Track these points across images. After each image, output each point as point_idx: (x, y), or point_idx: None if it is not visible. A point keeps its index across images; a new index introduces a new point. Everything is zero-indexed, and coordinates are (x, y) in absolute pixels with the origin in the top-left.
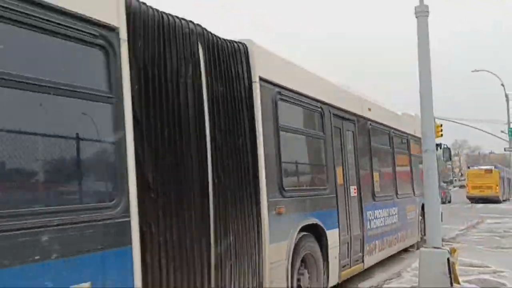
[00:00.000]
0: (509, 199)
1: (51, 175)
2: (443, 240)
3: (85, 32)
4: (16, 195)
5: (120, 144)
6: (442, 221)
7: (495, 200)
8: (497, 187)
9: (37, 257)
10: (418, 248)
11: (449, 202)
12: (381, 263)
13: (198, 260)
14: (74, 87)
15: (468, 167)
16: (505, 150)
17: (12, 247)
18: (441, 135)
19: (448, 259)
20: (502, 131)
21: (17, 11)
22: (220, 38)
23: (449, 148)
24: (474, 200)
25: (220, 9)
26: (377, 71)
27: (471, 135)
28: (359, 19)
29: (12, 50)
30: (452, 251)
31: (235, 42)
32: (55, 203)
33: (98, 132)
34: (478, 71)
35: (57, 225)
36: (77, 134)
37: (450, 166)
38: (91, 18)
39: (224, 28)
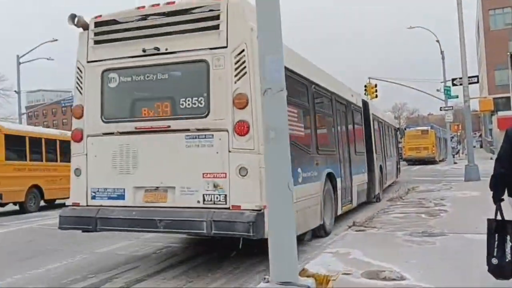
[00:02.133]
0: (445, 159)
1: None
2: (354, 223)
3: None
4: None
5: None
6: (398, 176)
7: (431, 161)
8: (434, 148)
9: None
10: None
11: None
12: None
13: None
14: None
15: (405, 128)
16: (440, 109)
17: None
18: (376, 96)
19: None
20: (438, 90)
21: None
22: (365, 100)
23: (403, 129)
24: (412, 161)
25: None
26: None
27: (410, 97)
28: None
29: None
30: (322, 283)
31: (365, 100)
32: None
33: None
34: (413, 27)
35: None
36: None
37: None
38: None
39: None
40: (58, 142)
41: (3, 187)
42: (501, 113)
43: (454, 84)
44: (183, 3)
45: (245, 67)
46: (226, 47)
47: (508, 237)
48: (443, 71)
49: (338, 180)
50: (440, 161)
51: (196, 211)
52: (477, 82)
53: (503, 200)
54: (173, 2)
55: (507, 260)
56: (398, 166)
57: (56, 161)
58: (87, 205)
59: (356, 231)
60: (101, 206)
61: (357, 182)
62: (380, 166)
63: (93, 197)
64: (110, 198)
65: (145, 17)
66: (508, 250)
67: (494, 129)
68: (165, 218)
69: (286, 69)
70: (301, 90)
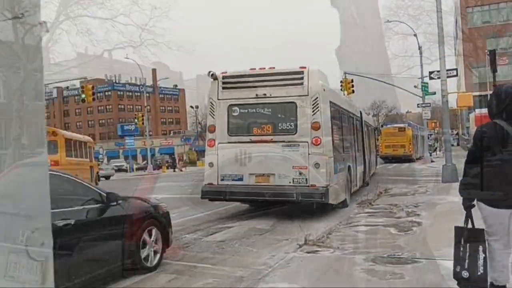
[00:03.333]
0: (422, 157)
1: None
2: (306, 241)
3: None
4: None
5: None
6: (376, 168)
7: (408, 159)
8: (410, 146)
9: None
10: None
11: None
12: None
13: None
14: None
15: (382, 126)
16: (418, 106)
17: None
18: (352, 91)
19: None
20: (415, 86)
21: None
22: (361, 111)
23: (380, 128)
24: (388, 159)
25: None
26: None
27: (389, 95)
28: None
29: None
30: None
31: (361, 111)
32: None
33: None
34: (391, 21)
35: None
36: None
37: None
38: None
39: None
40: (82, 144)
41: None
42: (479, 111)
43: (431, 78)
44: (281, 68)
45: (318, 107)
46: (307, 95)
47: (481, 248)
48: (421, 66)
49: (352, 170)
50: (417, 159)
51: (288, 187)
52: (456, 75)
53: (473, 206)
54: (274, 67)
55: (479, 274)
56: (376, 160)
57: (82, 157)
58: (218, 184)
59: (307, 252)
60: (227, 185)
61: (359, 172)
62: (369, 160)
63: (222, 179)
64: (233, 180)
65: (256, 75)
66: (480, 262)
67: (472, 127)
68: (270, 191)
69: (334, 104)
70: (338, 114)
